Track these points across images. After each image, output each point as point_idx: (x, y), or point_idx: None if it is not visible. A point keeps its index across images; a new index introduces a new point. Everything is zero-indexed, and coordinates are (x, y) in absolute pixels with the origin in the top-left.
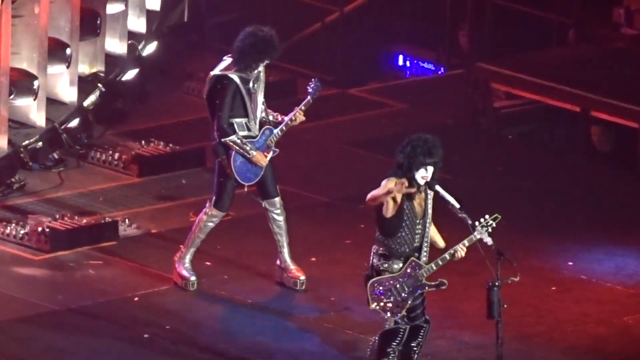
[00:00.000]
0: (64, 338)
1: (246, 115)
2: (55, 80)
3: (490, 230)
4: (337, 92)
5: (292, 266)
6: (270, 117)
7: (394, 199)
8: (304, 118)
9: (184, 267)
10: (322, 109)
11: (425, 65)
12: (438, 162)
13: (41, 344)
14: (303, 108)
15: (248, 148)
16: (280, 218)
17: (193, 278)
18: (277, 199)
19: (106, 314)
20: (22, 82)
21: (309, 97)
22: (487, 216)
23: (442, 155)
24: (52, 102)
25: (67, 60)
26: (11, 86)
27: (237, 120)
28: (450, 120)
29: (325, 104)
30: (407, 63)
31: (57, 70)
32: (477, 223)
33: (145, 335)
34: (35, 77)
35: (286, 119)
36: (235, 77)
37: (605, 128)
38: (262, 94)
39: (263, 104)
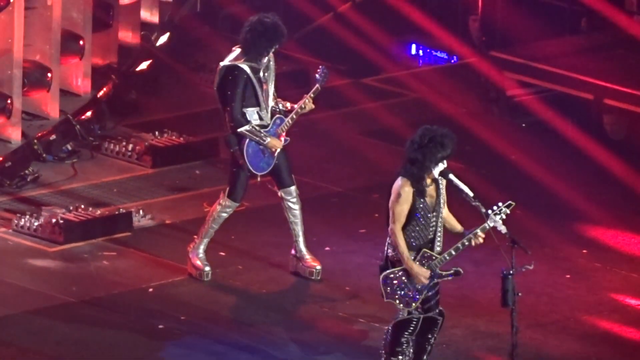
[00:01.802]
0: (79, 330)
1: (258, 105)
2: (69, 71)
3: (504, 217)
4: (350, 81)
5: (307, 256)
6: (280, 106)
7: (408, 202)
8: (313, 106)
9: (198, 258)
10: (335, 99)
11: (438, 54)
12: (452, 153)
13: (55, 336)
14: (312, 95)
15: (262, 135)
16: (296, 207)
17: (207, 268)
18: (293, 188)
19: (120, 305)
20: (35, 74)
21: (317, 85)
22: (500, 203)
23: (456, 147)
24: (66, 94)
25: (81, 52)
26: (24, 78)
27: (249, 110)
28: (463, 109)
29: (338, 93)
30: (420, 52)
31: (69, 62)
32: (489, 211)
33: (160, 326)
34: (49, 69)
35: (296, 107)
36: (245, 67)
37: (618, 116)
38: (273, 83)
39: (273, 93)
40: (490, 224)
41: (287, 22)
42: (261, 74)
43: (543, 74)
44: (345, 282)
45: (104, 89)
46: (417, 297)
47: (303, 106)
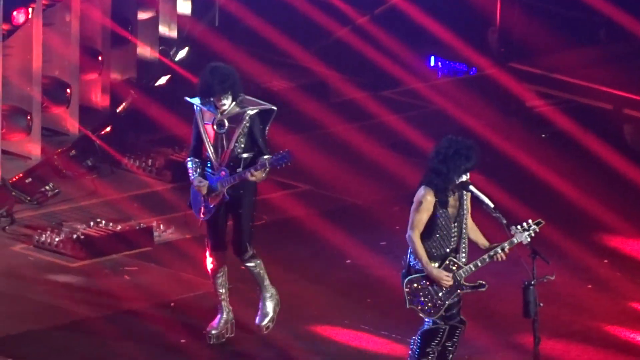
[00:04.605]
0: (101, 345)
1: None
2: (88, 87)
3: (533, 235)
4: (369, 94)
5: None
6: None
7: (428, 211)
8: (255, 179)
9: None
10: (354, 112)
11: (457, 66)
12: (476, 165)
13: (78, 351)
14: (259, 169)
15: (193, 173)
16: (254, 268)
17: (214, 332)
18: (244, 256)
19: (142, 320)
20: (54, 90)
21: (266, 163)
22: (530, 220)
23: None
24: (86, 110)
25: (100, 67)
26: (44, 94)
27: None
28: (482, 121)
29: (357, 106)
30: (439, 64)
31: (89, 77)
32: (519, 226)
33: (182, 341)
34: (68, 85)
35: (244, 171)
36: (197, 106)
37: (638, 126)
38: (243, 142)
39: (246, 156)
40: (518, 239)
41: (306, 34)
42: (219, 122)
43: (562, 84)
44: (366, 294)
45: (123, 104)
46: (440, 305)
47: (255, 174)
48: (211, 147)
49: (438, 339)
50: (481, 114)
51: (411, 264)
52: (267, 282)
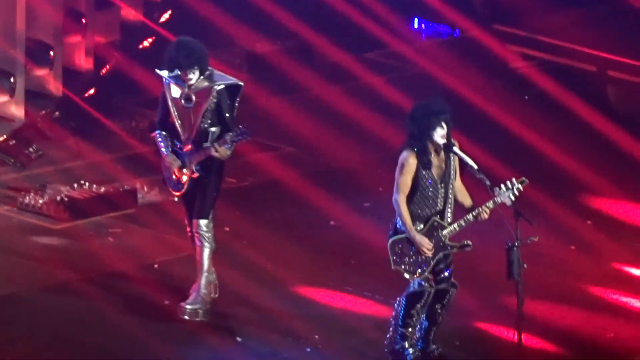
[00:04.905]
0: (85, 307)
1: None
2: (72, 49)
3: (517, 194)
4: (353, 56)
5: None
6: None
7: (412, 174)
8: (219, 155)
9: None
10: (338, 74)
11: (441, 28)
12: (449, 117)
13: (62, 313)
14: (222, 145)
15: (164, 147)
16: (204, 243)
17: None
18: (203, 222)
19: (126, 281)
20: (38, 52)
21: (228, 139)
22: (513, 179)
23: (451, 110)
24: (69, 72)
25: (83, 30)
26: (27, 56)
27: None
28: (466, 82)
29: (341, 69)
30: (423, 26)
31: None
32: (502, 185)
33: (166, 302)
34: (51, 47)
35: (210, 146)
36: (165, 78)
37: (621, 87)
38: (209, 118)
39: (214, 130)
40: (501, 199)
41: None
42: (186, 96)
43: (546, 46)
44: (350, 256)
45: (107, 66)
46: (424, 267)
47: (219, 150)
48: (178, 121)
49: (423, 301)
50: (464, 75)
51: (397, 225)
52: (207, 267)
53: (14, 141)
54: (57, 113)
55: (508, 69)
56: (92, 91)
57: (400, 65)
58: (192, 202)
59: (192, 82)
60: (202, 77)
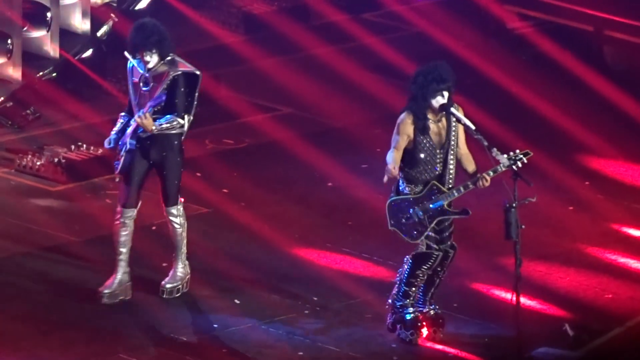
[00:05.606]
0: (82, 269)
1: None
2: (68, 11)
3: (520, 165)
4: (349, 17)
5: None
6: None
7: (408, 135)
8: (139, 121)
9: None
10: (334, 35)
11: None
12: (452, 85)
13: (59, 275)
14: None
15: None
16: (177, 226)
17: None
18: (171, 209)
19: None
20: (35, 14)
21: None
22: (517, 151)
23: (455, 78)
24: (66, 33)
25: None
26: (24, 18)
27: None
28: (462, 42)
29: (337, 29)
30: None
31: (69, 1)
32: (505, 156)
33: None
34: (48, 9)
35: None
36: (130, 62)
37: (619, 47)
38: (159, 99)
39: (157, 106)
40: (500, 168)
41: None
42: (145, 80)
43: (543, 6)
44: (348, 217)
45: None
46: (420, 229)
47: (140, 117)
48: (135, 104)
49: (430, 262)
50: (461, 36)
51: (400, 188)
52: (183, 249)
53: (11, 103)
54: (54, 75)
55: (505, 28)
56: (89, 52)
57: (398, 25)
58: (129, 183)
59: (150, 65)
60: (162, 62)
